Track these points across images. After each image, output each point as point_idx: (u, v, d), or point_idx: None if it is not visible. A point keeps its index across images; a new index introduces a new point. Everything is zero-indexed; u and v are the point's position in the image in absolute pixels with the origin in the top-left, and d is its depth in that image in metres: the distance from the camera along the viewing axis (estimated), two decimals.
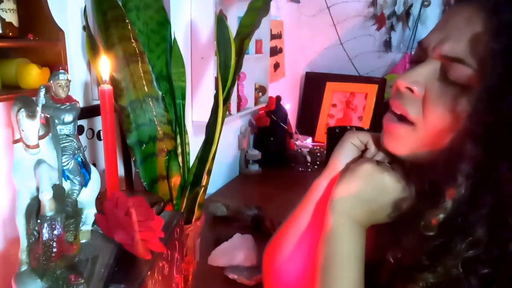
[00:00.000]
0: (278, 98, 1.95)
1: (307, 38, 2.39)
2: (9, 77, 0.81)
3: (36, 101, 0.48)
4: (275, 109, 1.93)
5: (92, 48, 0.93)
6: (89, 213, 0.60)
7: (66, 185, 0.54)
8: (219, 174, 1.71)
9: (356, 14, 2.30)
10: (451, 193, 0.50)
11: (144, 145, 0.95)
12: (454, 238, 0.49)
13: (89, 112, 0.98)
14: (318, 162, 1.94)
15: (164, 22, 1.00)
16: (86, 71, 1.02)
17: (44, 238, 0.47)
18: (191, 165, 1.00)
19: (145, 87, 0.94)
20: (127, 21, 0.89)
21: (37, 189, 0.48)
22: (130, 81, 0.92)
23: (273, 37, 1.94)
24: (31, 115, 0.46)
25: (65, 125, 0.54)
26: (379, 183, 0.56)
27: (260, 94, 1.80)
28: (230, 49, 0.90)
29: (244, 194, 1.66)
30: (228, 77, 0.92)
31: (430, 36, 0.54)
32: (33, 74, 0.80)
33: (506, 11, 0.47)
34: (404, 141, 0.55)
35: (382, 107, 2.16)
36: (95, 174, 0.60)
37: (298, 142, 2.04)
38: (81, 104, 0.71)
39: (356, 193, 0.57)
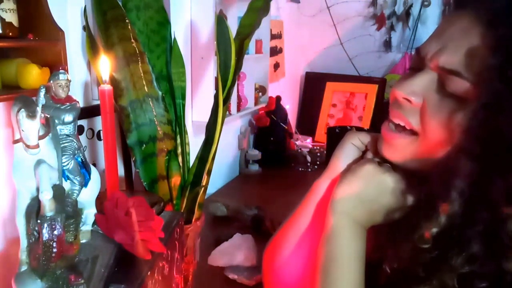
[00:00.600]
0: (278, 98, 1.95)
1: (307, 38, 2.39)
2: (9, 77, 0.81)
3: (36, 101, 0.48)
4: (275, 109, 1.93)
5: (92, 48, 0.93)
6: (89, 213, 0.60)
7: (66, 185, 0.54)
8: (219, 174, 1.71)
9: (356, 14, 2.30)
10: (444, 209, 0.49)
11: (144, 145, 0.95)
12: (450, 252, 0.49)
13: (89, 112, 0.98)
14: (318, 162, 1.94)
15: (164, 22, 1.00)
16: (86, 71, 1.02)
17: (44, 238, 0.47)
18: (191, 165, 1.00)
19: (145, 87, 0.94)
20: (127, 21, 0.89)
21: (37, 189, 0.48)
22: (130, 81, 0.92)
23: (273, 37, 1.94)
24: (31, 115, 0.46)
25: (65, 125, 0.54)
26: (381, 183, 0.56)
27: (260, 94, 1.80)
28: (230, 49, 0.90)
29: (244, 194, 1.66)
30: (228, 77, 0.92)
31: (428, 44, 0.54)
32: (33, 74, 0.80)
33: (503, 24, 0.46)
34: (402, 151, 0.55)
35: (382, 107, 2.16)
36: (95, 174, 0.60)
37: (298, 142, 2.04)
38: (81, 104, 0.71)
39: (357, 193, 0.57)
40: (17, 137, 0.48)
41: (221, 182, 1.73)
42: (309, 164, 1.94)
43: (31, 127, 0.47)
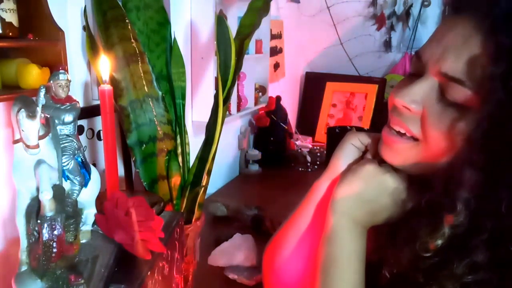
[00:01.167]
0: (278, 98, 1.95)
1: (307, 38, 2.39)
2: (9, 77, 0.81)
3: (36, 101, 0.48)
4: (275, 109, 1.93)
5: (92, 48, 0.93)
6: (89, 213, 0.60)
7: (66, 185, 0.54)
8: (219, 174, 1.71)
9: (356, 14, 2.30)
10: (449, 220, 0.49)
11: (144, 145, 0.95)
12: (452, 260, 0.48)
13: (89, 112, 0.98)
14: (318, 162, 1.94)
15: (164, 22, 1.00)
16: (86, 71, 1.02)
17: (44, 238, 0.47)
18: (191, 165, 1.00)
19: (145, 87, 0.94)
20: (127, 21, 0.89)
21: (37, 189, 0.48)
22: (130, 81, 0.92)
23: (273, 37, 1.94)
24: (31, 115, 0.46)
25: (65, 125, 0.54)
26: (381, 184, 0.56)
27: (260, 94, 1.80)
28: (230, 49, 0.90)
29: (244, 194, 1.66)
30: (228, 77, 0.92)
31: (428, 49, 0.52)
32: (33, 74, 0.80)
33: (503, 33, 0.45)
34: (403, 155, 0.55)
35: (382, 107, 2.16)
36: (95, 174, 0.60)
37: (298, 142, 2.04)
38: (81, 104, 0.71)
39: (357, 194, 0.57)
40: (17, 137, 0.48)
41: (221, 182, 1.73)
42: (309, 164, 1.94)
43: (31, 127, 0.47)
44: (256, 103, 1.75)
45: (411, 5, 2.19)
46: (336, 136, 1.73)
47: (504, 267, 0.46)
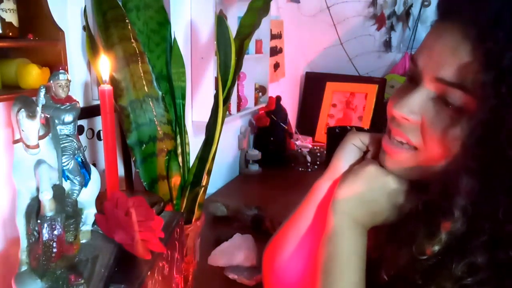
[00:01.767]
0: (278, 98, 1.95)
1: (307, 38, 2.39)
2: (9, 77, 0.81)
3: (36, 101, 0.48)
4: (275, 109, 1.93)
5: (92, 48, 0.93)
6: (89, 213, 0.60)
7: (66, 185, 0.54)
8: (219, 174, 1.71)
9: (356, 14, 2.30)
10: (446, 226, 0.49)
11: (144, 145, 0.95)
12: (450, 260, 0.48)
13: (89, 112, 0.98)
14: (318, 162, 1.94)
15: (164, 22, 1.00)
16: (86, 71, 1.02)
17: (44, 238, 0.47)
18: (191, 165, 1.00)
19: (145, 87, 0.94)
20: (127, 21, 0.89)
21: (37, 189, 0.48)
22: (130, 81, 0.92)
23: (273, 37, 1.94)
24: (31, 115, 0.46)
25: (65, 125, 0.54)
26: (383, 185, 0.56)
27: (260, 94, 1.80)
28: (230, 49, 0.90)
29: (244, 194, 1.66)
30: (228, 77, 0.92)
31: (421, 56, 0.52)
32: (33, 74, 0.80)
33: (490, 40, 0.44)
34: (403, 164, 0.55)
35: (382, 107, 2.16)
36: (95, 174, 0.60)
37: (298, 142, 2.04)
38: (81, 104, 0.71)
39: (359, 194, 0.57)
40: (17, 137, 0.48)
41: (221, 182, 1.73)
42: (309, 164, 1.94)
43: (31, 127, 0.47)
44: (256, 103, 1.75)
45: (411, 5, 2.19)
46: (336, 136, 1.73)
47: (502, 268, 0.46)
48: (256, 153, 1.87)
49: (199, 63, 1.38)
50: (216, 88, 0.89)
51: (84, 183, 0.57)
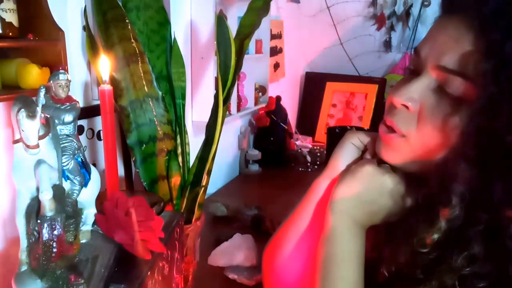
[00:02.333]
0: (278, 98, 1.95)
1: (307, 38, 2.39)
2: (9, 77, 0.81)
3: (36, 101, 0.48)
4: (275, 109, 1.93)
5: (92, 48, 0.93)
6: (89, 213, 0.60)
7: (66, 185, 0.54)
8: (219, 174, 1.71)
9: (356, 14, 2.30)
10: (445, 214, 0.50)
11: (144, 145, 0.95)
12: (450, 253, 0.49)
13: (89, 112, 0.98)
14: (318, 162, 1.94)
15: (164, 22, 1.00)
16: (86, 71, 1.02)
17: (44, 238, 0.47)
18: (191, 165, 1.00)
19: (145, 87, 0.94)
20: (127, 21, 0.89)
21: (37, 189, 0.48)
22: (130, 81, 0.92)
23: (273, 37, 1.94)
24: (31, 115, 0.46)
25: (65, 125, 0.54)
26: (380, 184, 0.56)
27: (260, 94, 1.80)
28: (230, 49, 0.90)
29: (244, 194, 1.66)
30: (228, 77, 0.92)
31: (424, 45, 0.54)
32: (33, 74, 0.80)
33: (492, 30, 0.46)
34: (398, 152, 0.55)
35: (382, 107, 2.15)
36: (95, 174, 0.60)
37: (298, 142, 2.04)
38: (81, 104, 0.71)
39: (356, 194, 0.57)
40: (17, 137, 0.48)
41: (221, 182, 1.73)
42: (309, 164, 1.94)
43: (31, 127, 0.47)
44: (256, 103, 1.75)
45: (411, 5, 2.19)
46: (336, 136, 1.73)
47: (500, 258, 0.47)
48: (256, 153, 1.87)
49: (199, 63, 1.38)
50: (216, 88, 0.89)
51: (84, 183, 0.57)
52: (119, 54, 0.91)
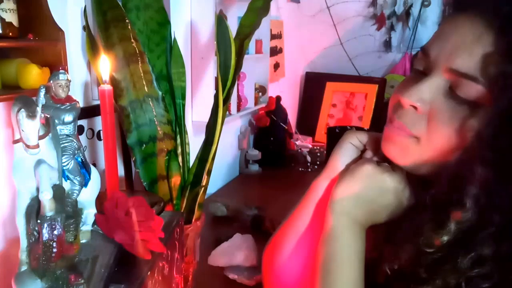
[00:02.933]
0: (278, 98, 1.95)
1: (307, 38, 2.39)
2: (9, 77, 0.81)
3: (36, 101, 0.48)
4: (275, 109, 1.93)
5: (92, 48, 0.93)
6: (89, 213, 0.60)
7: (66, 185, 0.54)
8: (219, 174, 1.71)
9: (356, 14, 2.30)
10: (457, 216, 0.49)
11: (144, 145, 0.95)
12: (456, 253, 0.48)
13: (89, 112, 0.98)
14: (318, 162, 1.94)
15: (164, 22, 0.99)
16: (86, 71, 1.02)
17: (44, 238, 0.47)
18: (191, 165, 1.00)
19: (145, 87, 0.94)
20: (127, 21, 0.89)
21: (37, 189, 0.48)
22: (130, 81, 0.92)
23: (273, 37, 1.94)
24: (31, 115, 0.46)
25: (65, 125, 0.54)
26: (380, 184, 0.56)
27: (260, 94, 1.80)
28: (230, 49, 0.90)
29: (244, 194, 1.66)
30: (228, 77, 0.92)
31: (436, 45, 0.52)
32: (33, 74, 0.80)
33: None
34: (406, 152, 0.54)
35: (382, 107, 2.16)
36: (95, 174, 0.60)
37: (298, 142, 2.04)
38: (81, 104, 0.71)
39: (356, 193, 0.57)
40: (17, 137, 0.48)
41: (221, 182, 1.73)
42: (309, 164, 1.94)
43: (31, 127, 0.47)
44: (256, 103, 1.75)
45: (411, 5, 2.19)
46: (336, 136, 1.73)
47: (507, 261, 0.46)
48: (256, 153, 1.87)
49: (199, 63, 1.38)
50: (216, 88, 0.89)
51: (84, 183, 0.57)
52: (119, 54, 0.91)
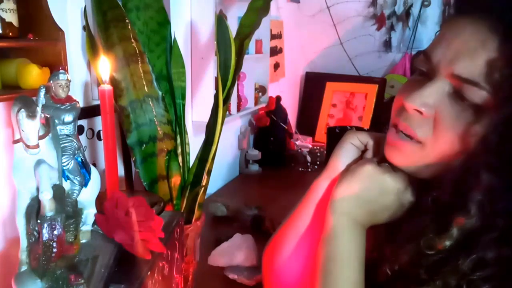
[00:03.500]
0: (278, 98, 1.95)
1: (307, 38, 2.39)
2: (9, 77, 0.81)
3: (36, 101, 0.48)
4: (275, 109, 1.93)
5: (92, 48, 0.93)
6: (89, 213, 0.60)
7: (66, 185, 0.54)
8: (219, 174, 1.71)
9: (356, 14, 2.30)
10: (460, 222, 0.48)
11: (144, 145, 0.95)
12: (457, 255, 0.48)
13: (89, 112, 0.98)
14: (318, 162, 1.94)
15: (164, 22, 1.00)
16: (86, 71, 1.02)
17: (44, 238, 0.47)
18: (191, 165, 1.00)
19: (145, 87, 0.94)
20: (127, 21, 0.89)
21: (37, 189, 0.48)
22: (130, 81, 0.92)
23: (273, 37, 1.94)
24: (31, 115, 0.46)
25: (65, 125, 0.54)
26: (380, 184, 0.56)
27: (260, 94, 1.80)
28: (230, 49, 0.90)
29: (244, 194, 1.66)
30: (228, 77, 0.92)
31: (437, 50, 0.51)
32: (33, 74, 0.80)
33: None
34: (410, 157, 0.54)
35: (382, 107, 2.16)
36: (95, 174, 0.60)
37: (298, 142, 2.04)
38: (81, 104, 0.71)
39: (356, 194, 0.57)
40: (17, 137, 0.48)
41: (221, 182, 1.73)
42: (309, 164, 1.94)
43: (31, 127, 0.47)
44: (256, 103, 1.75)
45: (411, 5, 2.19)
46: (336, 136, 1.73)
47: (508, 264, 0.46)
48: (256, 153, 1.87)
49: (199, 63, 1.38)
50: (216, 88, 0.89)
51: (84, 183, 0.57)
52: (119, 54, 0.91)
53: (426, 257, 0.51)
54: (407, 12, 2.19)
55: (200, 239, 1.01)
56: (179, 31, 1.31)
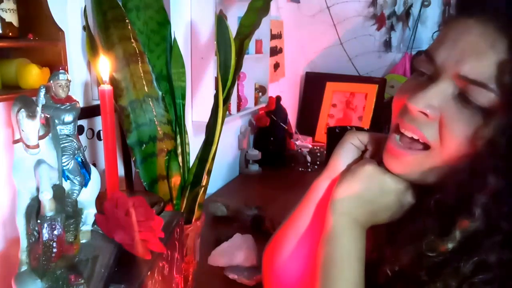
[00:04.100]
0: (278, 98, 1.95)
1: (307, 38, 2.39)
2: (9, 77, 0.81)
3: (36, 101, 0.48)
4: (275, 109, 1.93)
5: (92, 48, 0.93)
6: (89, 213, 0.60)
7: (66, 185, 0.54)
8: (219, 174, 1.71)
9: (356, 14, 2.30)
10: (464, 225, 0.48)
11: (144, 145, 0.95)
12: (459, 257, 0.48)
13: (89, 112, 0.98)
14: (318, 162, 1.94)
15: (164, 22, 1.00)
16: (86, 71, 1.02)
17: (44, 238, 0.47)
18: (191, 165, 1.00)
19: (145, 87, 0.94)
20: (127, 21, 0.89)
21: (37, 189, 0.48)
22: (130, 81, 0.92)
23: (273, 37, 1.94)
24: (31, 115, 0.46)
25: (65, 125, 0.54)
26: (380, 184, 0.56)
27: (260, 94, 1.80)
28: (230, 49, 0.90)
29: (244, 194, 1.66)
30: (228, 77, 0.92)
31: (442, 50, 0.50)
32: (33, 74, 0.80)
33: None
34: (410, 166, 0.54)
35: (382, 107, 2.16)
36: (95, 174, 0.60)
37: (298, 142, 2.04)
38: (81, 104, 0.71)
39: (357, 194, 0.57)
40: (17, 137, 0.48)
41: (221, 182, 1.73)
42: (309, 164, 1.94)
43: (31, 127, 0.47)
44: (256, 103, 1.75)
45: (411, 5, 2.19)
46: (336, 136, 1.73)
47: (508, 267, 0.46)
48: (256, 153, 1.87)
49: (199, 63, 1.38)
50: (216, 88, 0.89)
51: (84, 183, 0.57)
52: (119, 54, 0.91)
53: (427, 259, 0.50)
54: (407, 12, 2.19)
55: (200, 239, 1.01)
56: (179, 31, 1.31)
